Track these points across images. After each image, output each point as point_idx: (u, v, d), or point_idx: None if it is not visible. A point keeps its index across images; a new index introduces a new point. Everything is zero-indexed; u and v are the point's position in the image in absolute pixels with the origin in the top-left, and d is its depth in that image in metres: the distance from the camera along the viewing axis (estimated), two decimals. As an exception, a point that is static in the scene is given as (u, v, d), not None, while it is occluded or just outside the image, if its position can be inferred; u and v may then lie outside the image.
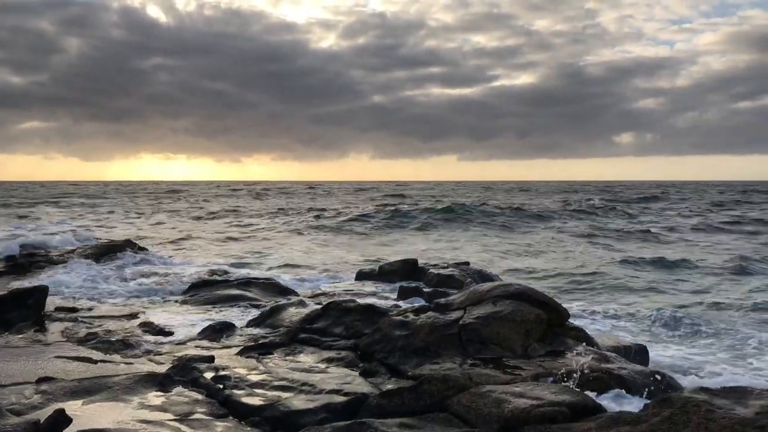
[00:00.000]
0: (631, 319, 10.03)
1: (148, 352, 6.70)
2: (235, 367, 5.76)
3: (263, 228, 27.23)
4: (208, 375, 5.47)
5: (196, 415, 4.65)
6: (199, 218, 33.41)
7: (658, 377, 5.48)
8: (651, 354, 7.45)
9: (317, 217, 32.10)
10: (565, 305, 7.24)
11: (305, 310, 7.90)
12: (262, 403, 4.85)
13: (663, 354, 8.07)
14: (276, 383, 5.31)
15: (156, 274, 12.02)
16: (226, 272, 12.30)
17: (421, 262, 12.47)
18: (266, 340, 6.92)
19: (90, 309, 8.99)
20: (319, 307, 7.83)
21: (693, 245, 21.76)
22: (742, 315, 10.35)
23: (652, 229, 25.83)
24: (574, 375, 5.30)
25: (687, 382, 5.68)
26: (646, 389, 5.35)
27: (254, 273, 12.61)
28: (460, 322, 6.52)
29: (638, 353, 7.05)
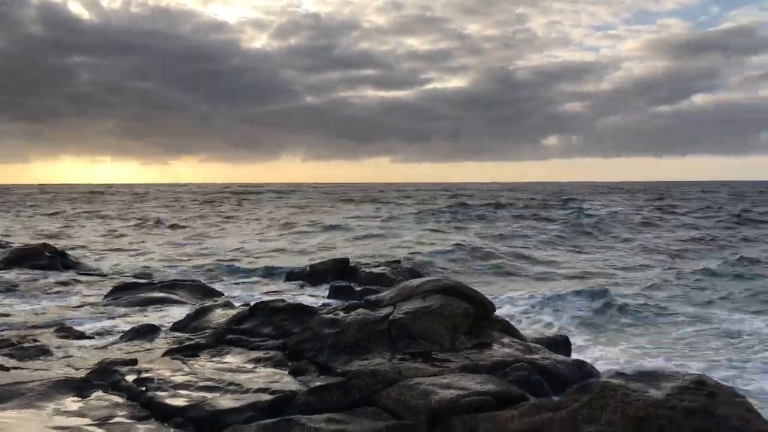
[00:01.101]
0: (555, 309, 10.34)
1: (66, 357, 6.42)
2: (159, 370, 5.59)
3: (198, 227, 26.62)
4: (130, 378, 5.29)
5: (117, 419, 4.48)
6: (124, 221, 32.35)
7: (580, 366, 5.65)
8: (573, 344, 7.69)
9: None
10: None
11: (232, 311, 7.76)
12: (186, 403, 4.73)
13: (584, 344, 8.35)
14: (201, 384, 5.18)
15: (76, 281, 11.54)
16: (150, 275, 11.94)
17: (352, 261, 12.48)
18: (192, 342, 6.75)
19: (3, 315, 8.54)
20: (247, 307, 7.70)
21: (616, 240, 22.66)
22: (656, 303, 10.83)
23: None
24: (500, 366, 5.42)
25: (605, 368, 5.88)
26: (568, 378, 5.54)
27: (178, 275, 12.29)
28: (390, 318, 6.55)
29: (561, 344, 7.26)
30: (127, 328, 7.39)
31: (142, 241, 22.03)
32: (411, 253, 16.81)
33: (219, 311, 7.96)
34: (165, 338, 7.08)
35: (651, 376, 4.29)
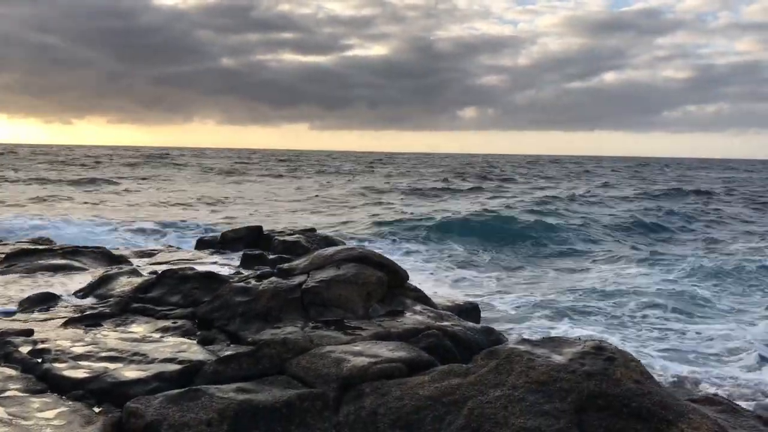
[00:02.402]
0: (469, 276, 10.60)
1: (-48, 328, 5.98)
2: (57, 340, 5.31)
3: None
4: (24, 349, 5.00)
5: (9, 393, 4.22)
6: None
7: (489, 332, 5.81)
8: (482, 311, 7.91)
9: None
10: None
11: (138, 279, 7.47)
12: (86, 375, 4.52)
13: (494, 310, 8.60)
14: (103, 354, 4.97)
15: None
16: (49, 240, 11.30)
17: (266, 229, 12.26)
18: (94, 311, 6.45)
19: None
20: (154, 275, 7.43)
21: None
22: (560, 271, 11.29)
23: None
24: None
25: (513, 335, 6.08)
26: (478, 344, 5.69)
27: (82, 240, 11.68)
28: (303, 287, 6.49)
29: (471, 311, 7.44)
30: (23, 297, 6.97)
31: (46, 202, 20.84)
32: (336, 225, 16.77)
33: (124, 279, 7.65)
34: (65, 307, 6.73)
35: (555, 342, 4.44)
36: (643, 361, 4.28)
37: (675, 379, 7.21)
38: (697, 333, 8.99)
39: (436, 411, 3.87)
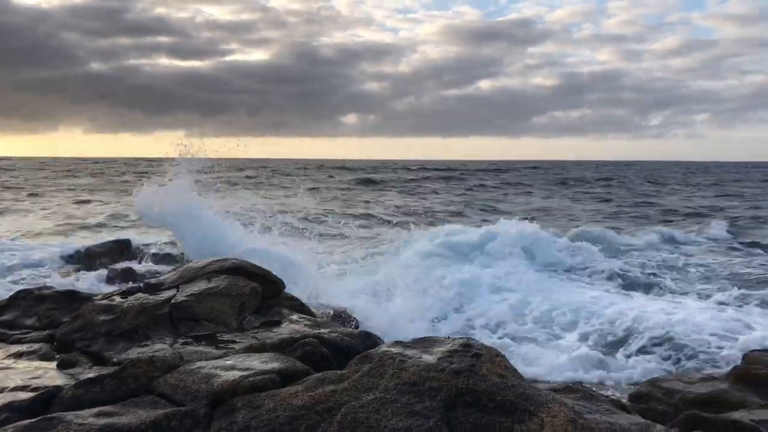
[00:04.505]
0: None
1: None
2: None
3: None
4: None
5: None
6: None
7: (367, 337, 5.87)
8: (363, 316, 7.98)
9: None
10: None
11: (-12, 302, 6.87)
12: None
13: (374, 315, 8.70)
14: (-57, 387, 4.51)
15: None
16: None
17: (134, 242, 11.70)
18: (-66, 340, 5.86)
19: None
20: (6, 296, 6.87)
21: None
22: (431, 271, 11.66)
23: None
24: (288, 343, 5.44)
25: (388, 337, 6.15)
26: (356, 349, 5.73)
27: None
28: (172, 302, 6.24)
29: (350, 317, 7.48)
30: None
31: None
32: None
33: (-29, 303, 7.00)
34: None
35: (426, 342, 4.55)
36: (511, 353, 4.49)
37: (538, 369, 7.64)
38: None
39: (309, 420, 3.85)
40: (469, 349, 4.25)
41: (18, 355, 5.51)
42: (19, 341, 5.95)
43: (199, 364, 4.63)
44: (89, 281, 8.60)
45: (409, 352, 4.31)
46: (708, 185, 55.62)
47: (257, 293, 6.64)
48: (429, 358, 4.17)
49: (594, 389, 5.28)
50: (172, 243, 11.59)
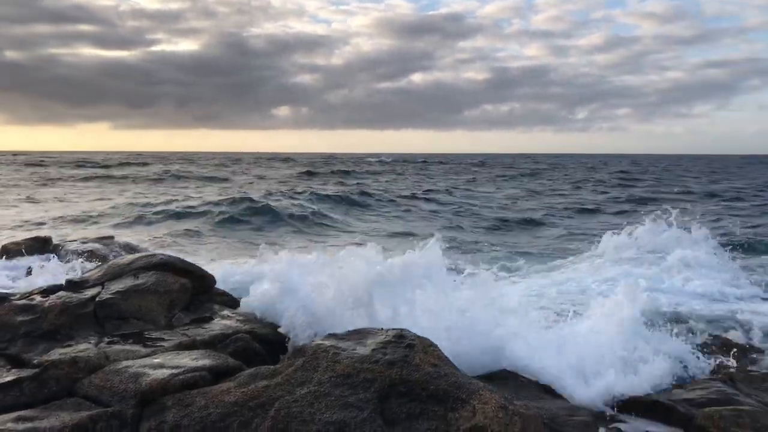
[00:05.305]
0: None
1: None
2: None
3: None
4: None
5: None
6: None
7: (296, 328, 5.82)
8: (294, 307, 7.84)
9: None
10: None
11: None
12: None
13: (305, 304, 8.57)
14: None
15: None
16: None
17: (56, 238, 11.22)
18: None
19: None
20: None
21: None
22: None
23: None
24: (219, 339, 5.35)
25: (321, 329, 6.07)
26: (287, 340, 5.71)
27: None
28: (97, 299, 6.02)
29: (281, 307, 7.36)
30: None
31: None
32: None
33: None
34: None
35: (360, 334, 4.56)
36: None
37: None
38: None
39: (242, 416, 3.80)
40: (402, 339, 4.29)
41: (-72, 360, 5.18)
42: (-72, 345, 5.60)
43: (126, 363, 4.49)
44: (4, 279, 8.18)
45: (342, 344, 4.31)
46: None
47: (187, 289, 6.48)
48: (363, 350, 4.18)
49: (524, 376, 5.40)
50: (97, 239, 11.18)
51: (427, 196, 29.78)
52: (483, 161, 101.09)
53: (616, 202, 29.65)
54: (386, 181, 41.35)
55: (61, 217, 19.29)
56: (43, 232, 12.48)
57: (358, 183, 38.06)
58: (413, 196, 29.45)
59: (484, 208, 25.91)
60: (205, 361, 4.45)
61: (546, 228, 20.73)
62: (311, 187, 31.42)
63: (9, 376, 4.65)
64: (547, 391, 5.25)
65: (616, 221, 18.58)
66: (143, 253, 7.64)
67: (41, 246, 10.02)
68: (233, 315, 6.33)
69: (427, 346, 4.29)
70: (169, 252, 8.17)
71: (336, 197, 26.30)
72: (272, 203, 22.17)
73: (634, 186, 41.85)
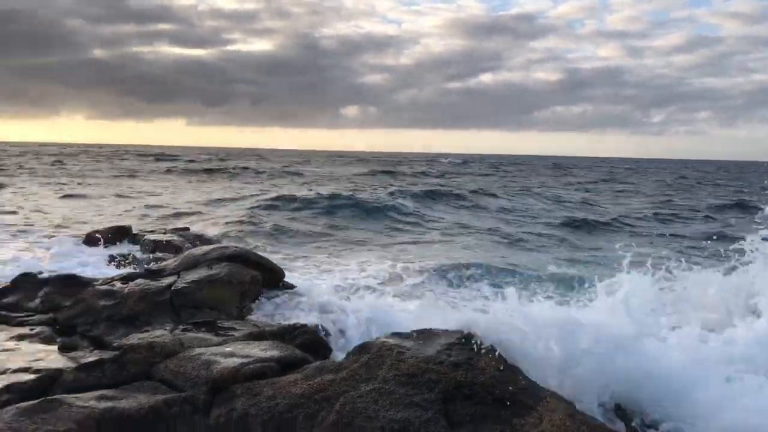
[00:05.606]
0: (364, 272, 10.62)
1: None
2: None
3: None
4: None
5: None
6: None
7: (362, 325, 5.90)
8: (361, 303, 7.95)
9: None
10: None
11: (-10, 284, 6.90)
12: (-75, 391, 4.12)
13: (371, 302, 8.66)
14: (-55, 367, 4.54)
15: None
16: None
17: (136, 228, 11.73)
18: (-63, 321, 5.90)
19: None
20: (9, 279, 6.90)
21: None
22: (439, 266, 11.60)
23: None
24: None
25: (386, 327, 6.14)
26: (353, 336, 5.79)
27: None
28: (173, 288, 6.28)
29: (348, 303, 7.47)
30: None
31: None
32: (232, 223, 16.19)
33: (-27, 285, 7.04)
34: None
35: (425, 335, 4.57)
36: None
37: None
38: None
39: (308, 408, 3.88)
40: (468, 342, 4.28)
41: (20, 338, 5.54)
42: (21, 324, 5.99)
43: (199, 350, 4.66)
44: (90, 266, 8.62)
45: (407, 343, 4.34)
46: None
47: (258, 281, 6.67)
48: (428, 350, 4.20)
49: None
50: (173, 230, 11.64)
51: (509, 196, 29.49)
52: (558, 163, 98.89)
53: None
54: (467, 181, 41.11)
55: (141, 208, 20.13)
56: (125, 222, 13.06)
57: (438, 181, 38.03)
58: (504, 196, 29.26)
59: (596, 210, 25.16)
60: (274, 352, 4.57)
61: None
62: (392, 185, 31.67)
63: (92, 357, 4.91)
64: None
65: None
66: (217, 245, 7.90)
67: (122, 235, 10.51)
68: (301, 307, 6.46)
69: (492, 351, 4.26)
70: (248, 245, 8.39)
71: (423, 194, 26.43)
72: (364, 197, 22.48)
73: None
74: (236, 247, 7.20)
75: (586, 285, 6.22)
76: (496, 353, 4.19)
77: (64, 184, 28.08)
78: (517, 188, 35.17)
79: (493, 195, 29.12)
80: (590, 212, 24.21)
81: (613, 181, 51.55)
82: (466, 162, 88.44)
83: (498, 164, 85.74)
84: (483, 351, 4.18)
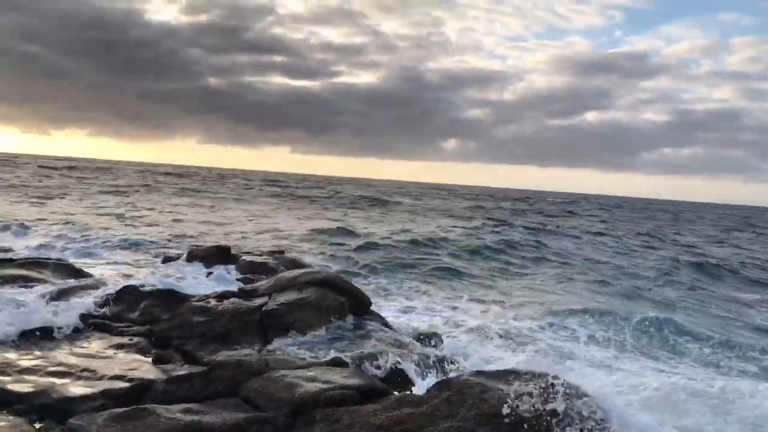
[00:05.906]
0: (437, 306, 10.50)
1: None
2: (5, 353, 5.18)
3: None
4: (-31, 361, 4.86)
5: (-53, 405, 4.10)
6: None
7: (445, 361, 5.79)
8: (445, 339, 7.84)
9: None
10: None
11: (98, 294, 7.34)
12: (31, 390, 4.41)
13: (457, 339, 8.52)
14: (52, 369, 4.85)
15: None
16: (10, 249, 11.07)
17: (235, 249, 12.17)
18: (48, 325, 6.31)
19: None
20: (114, 290, 7.31)
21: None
22: (520, 308, 11.27)
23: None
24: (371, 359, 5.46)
25: (469, 365, 6.02)
26: (434, 371, 5.68)
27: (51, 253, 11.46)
28: (264, 309, 6.44)
29: (433, 338, 7.40)
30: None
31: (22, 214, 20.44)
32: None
33: (83, 293, 7.51)
34: (19, 319, 6.56)
35: (508, 375, 4.42)
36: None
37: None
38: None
39: (385, 440, 3.83)
40: (552, 387, 4.09)
41: (119, 347, 5.84)
42: (121, 333, 6.31)
43: (282, 372, 4.73)
44: (188, 281, 9.00)
45: (490, 383, 4.21)
46: None
47: (345, 308, 6.73)
48: (510, 393, 4.05)
49: None
50: (269, 252, 11.98)
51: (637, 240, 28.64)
52: (668, 209, 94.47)
53: None
54: (577, 221, 40.43)
55: (242, 228, 20.94)
56: (224, 242, 13.60)
57: (556, 222, 37.52)
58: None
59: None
60: (355, 380, 4.56)
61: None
62: (512, 222, 31.64)
63: (182, 371, 5.10)
64: None
65: None
66: (308, 269, 8.06)
67: (222, 254, 10.91)
68: (385, 337, 6.44)
69: (579, 396, 4.06)
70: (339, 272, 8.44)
71: (543, 231, 26.57)
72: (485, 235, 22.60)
73: None
74: (326, 272, 7.31)
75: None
76: (585, 398, 3.98)
77: (176, 205, 29.61)
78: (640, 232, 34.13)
79: (617, 238, 28.39)
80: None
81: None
82: (573, 201, 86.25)
83: (605, 206, 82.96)
84: (568, 397, 3.99)
